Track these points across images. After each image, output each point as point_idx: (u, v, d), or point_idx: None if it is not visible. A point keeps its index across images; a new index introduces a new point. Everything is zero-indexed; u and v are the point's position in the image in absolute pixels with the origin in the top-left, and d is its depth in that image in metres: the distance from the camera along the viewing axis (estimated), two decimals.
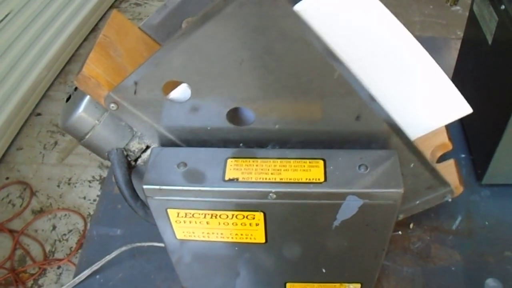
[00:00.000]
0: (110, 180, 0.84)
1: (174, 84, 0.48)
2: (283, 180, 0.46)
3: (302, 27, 0.41)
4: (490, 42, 0.73)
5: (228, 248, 0.54)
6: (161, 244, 0.66)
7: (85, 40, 2.66)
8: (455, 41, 0.96)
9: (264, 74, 0.45)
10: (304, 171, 0.46)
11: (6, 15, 2.01)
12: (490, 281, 0.68)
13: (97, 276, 0.71)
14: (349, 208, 0.47)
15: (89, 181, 1.91)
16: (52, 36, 2.34)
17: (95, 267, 0.70)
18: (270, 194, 0.46)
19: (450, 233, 0.74)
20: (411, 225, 0.74)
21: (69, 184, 1.90)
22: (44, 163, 1.99)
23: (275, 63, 0.44)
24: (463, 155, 0.84)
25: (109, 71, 0.50)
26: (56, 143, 2.08)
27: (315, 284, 0.60)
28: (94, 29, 2.74)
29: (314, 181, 0.46)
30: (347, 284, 0.60)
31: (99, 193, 1.85)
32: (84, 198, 1.84)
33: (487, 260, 0.71)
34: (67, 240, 1.71)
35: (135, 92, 0.47)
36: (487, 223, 0.75)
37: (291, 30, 0.41)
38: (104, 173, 1.92)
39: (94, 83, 0.47)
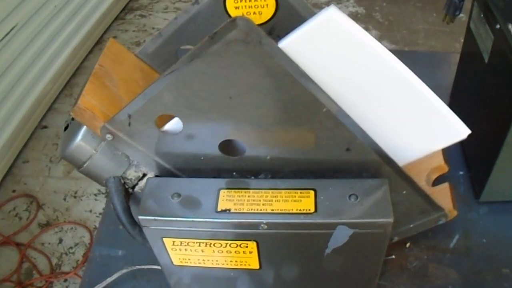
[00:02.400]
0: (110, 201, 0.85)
1: (167, 117, 0.49)
2: (274, 211, 0.47)
3: (288, 64, 0.42)
4: (486, 60, 0.74)
5: (223, 274, 0.55)
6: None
7: (90, 52, 2.68)
8: (455, 55, 0.97)
9: (253, 109, 0.46)
10: (295, 202, 0.47)
11: (12, 29, 2.03)
12: None
13: None
14: (340, 237, 0.48)
15: (95, 195, 1.92)
16: (58, 49, 2.36)
17: None
18: (262, 225, 0.47)
19: (447, 252, 0.74)
20: (407, 244, 0.74)
21: (75, 197, 1.92)
22: (50, 176, 2.01)
23: (264, 99, 0.45)
24: (461, 172, 0.85)
25: (105, 101, 0.51)
26: None
27: None
28: (99, 41, 2.76)
29: (304, 211, 0.47)
30: None
31: (105, 206, 1.86)
32: (90, 211, 1.86)
33: (484, 278, 0.71)
34: (73, 253, 1.73)
35: (129, 124, 0.48)
36: (484, 240, 0.75)
37: (277, 68, 0.42)
38: None
39: (90, 115, 0.49)
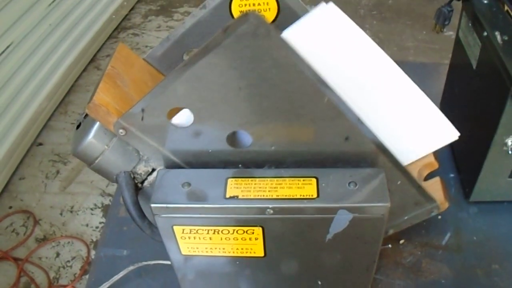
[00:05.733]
0: (115, 203, 0.88)
1: (178, 111, 0.52)
2: (279, 197, 0.50)
3: (293, 56, 0.46)
4: (474, 67, 0.78)
5: (229, 263, 0.58)
6: (167, 262, 0.70)
7: (84, 70, 2.72)
8: (445, 66, 1.01)
9: (260, 100, 0.49)
10: (299, 188, 0.51)
11: (7, 47, 2.06)
12: None
13: None
14: (340, 222, 0.51)
15: (91, 209, 1.94)
16: (52, 67, 2.40)
17: (104, 286, 0.73)
18: (268, 210, 0.50)
19: (440, 248, 0.77)
20: (401, 241, 0.78)
21: (71, 212, 1.94)
22: (46, 192, 2.03)
23: (270, 89, 0.48)
24: (451, 175, 0.88)
25: (117, 99, 0.54)
26: (58, 172, 2.12)
27: None
28: (93, 60, 2.81)
29: (307, 197, 0.50)
30: None
31: (101, 220, 1.89)
32: (87, 225, 1.88)
33: (475, 273, 0.74)
34: (71, 266, 1.74)
35: (142, 118, 0.51)
36: (475, 238, 0.79)
37: (283, 59, 0.46)
38: (106, 201, 1.96)
39: (104, 111, 0.52)
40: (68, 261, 1.76)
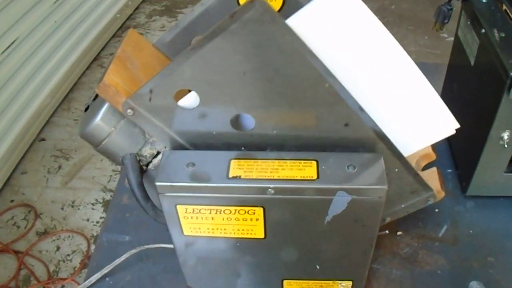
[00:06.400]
0: (118, 191, 0.89)
1: (184, 93, 0.54)
2: (281, 178, 0.52)
3: (296, 42, 0.47)
4: (472, 64, 0.80)
5: (230, 245, 0.60)
6: (168, 245, 0.72)
7: (88, 68, 2.74)
8: (444, 66, 1.03)
9: (264, 84, 0.51)
10: (299, 170, 0.52)
11: (13, 42, 2.09)
12: (474, 284, 0.72)
13: (107, 279, 0.75)
14: (339, 204, 0.52)
15: (92, 204, 1.96)
16: (56, 64, 2.42)
17: (105, 270, 0.75)
18: (269, 190, 0.51)
19: (436, 240, 0.79)
20: (399, 233, 0.79)
21: (72, 206, 1.95)
22: (48, 186, 2.05)
23: (274, 74, 0.50)
24: (449, 170, 0.90)
25: (127, 81, 0.56)
26: (60, 167, 2.13)
27: (310, 282, 0.65)
28: (97, 58, 2.83)
29: (308, 178, 0.52)
30: (339, 282, 0.65)
31: (102, 215, 1.90)
32: (88, 220, 1.89)
33: (471, 265, 0.76)
34: (71, 260, 1.75)
35: (150, 99, 0.53)
36: (471, 231, 0.81)
37: (287, 45, 0.48)
38: (107, 196, 1.97)
39: (113, 91, 0.54)
40: (68, 254, 1.78)
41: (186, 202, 0.54)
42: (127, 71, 0.57)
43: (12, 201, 1.99)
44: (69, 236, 1.84)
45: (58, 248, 1.80)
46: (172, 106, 0.54)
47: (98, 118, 0.59)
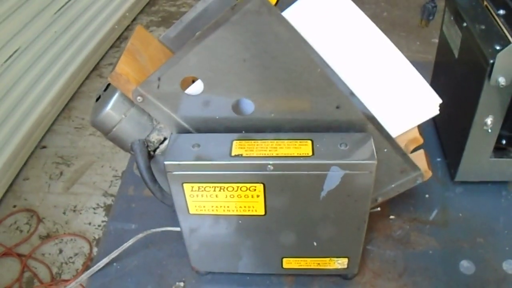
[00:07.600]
0: (124, 183, 0.94)
1: (190, 81, 0.59)
2: (279, 155, 0.57)
3: (291, 31, 0.53)
4: (456, 56, 0.85)
5: (233, 223, 0.64)
6: (173, 228, 0.76)
7: (87, 78, 2.79)
8: (432, 63, 1.08)
9: (262, 70, 0.56)
10: (296, 148, 0.57)
11: (15, 52, 2.13)
12: (464, 263, 0.77)
13: (114, 264, 0.79)
14: (333, 179, 0.57)
15: (94, 208, 2.00)
16: (57, 73, 2.47)
17: (113, 255, 0.78)
18: (268, 166, 0.56)
19: (427, 223, 0.84)
20: (391, 217, 0.84)
21: (74, 211, 1.99)
22: (50, 192, 2.09)
23: (271, 61, 0.55)
24: (438, 159, 0.95)
25: (136, 71, 0.61)
26: (61, 173, 2.17)
27: (308, 259, 0.70)
28: (96, 68, 2.88)
29: (304, 155, 0.57)
30: (335, 259, 0.69)
31: (104, 219, 1.94)
32: (89, 224, 1.93)
33: (461, 245, 0.80)
34: (73, 262, 1.79)
35: (158, 86, 0.58)
36: (460, 215, 0.85)
37: (283, 34, 0.53)
38: (108, 201, 2.01)
39: (124, 79, 0.58)
40: (71, 257, 1.82)
41: (192, 180, 0.59)
42: (136, 62, 0.62)
43: (14, 206, 2.03)
44: (71, 239, 1.88)
45: (60, 251, 1.84)
46: (179, 92, 0.58)
47: (109, 107, 0.63)
